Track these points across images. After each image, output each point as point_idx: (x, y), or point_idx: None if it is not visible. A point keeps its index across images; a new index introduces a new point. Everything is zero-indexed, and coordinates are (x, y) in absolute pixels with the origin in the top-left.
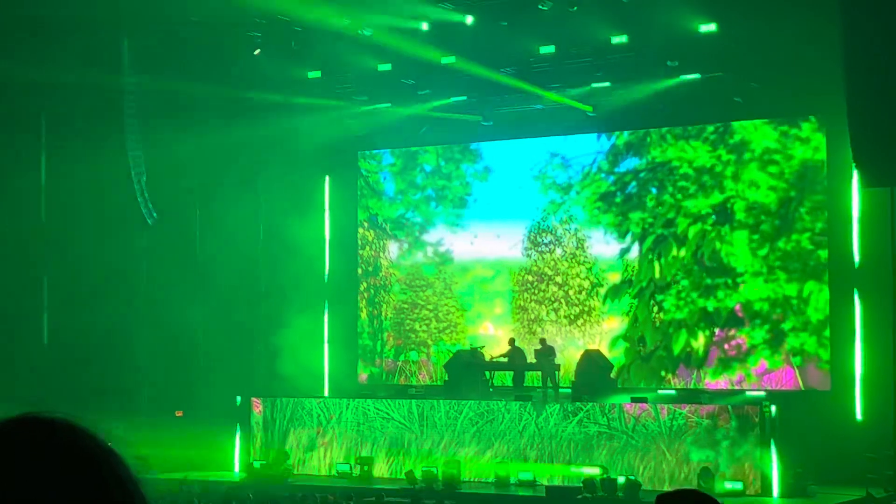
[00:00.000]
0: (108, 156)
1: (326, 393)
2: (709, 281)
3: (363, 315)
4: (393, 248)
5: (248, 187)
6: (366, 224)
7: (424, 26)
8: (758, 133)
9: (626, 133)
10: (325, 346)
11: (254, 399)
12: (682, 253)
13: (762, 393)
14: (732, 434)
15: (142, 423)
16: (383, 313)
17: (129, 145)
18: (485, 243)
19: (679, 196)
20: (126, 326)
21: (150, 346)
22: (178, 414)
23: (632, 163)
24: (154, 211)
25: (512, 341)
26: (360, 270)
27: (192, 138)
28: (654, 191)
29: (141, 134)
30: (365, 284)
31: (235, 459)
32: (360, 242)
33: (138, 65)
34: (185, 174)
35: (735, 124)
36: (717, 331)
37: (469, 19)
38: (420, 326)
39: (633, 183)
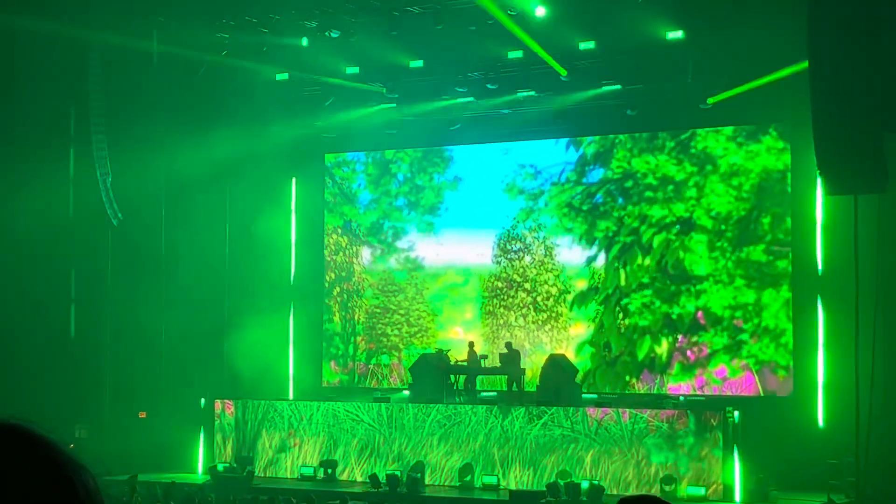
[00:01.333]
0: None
1: (291, 395)
2: (672, 288)
3: (336, 318)
4: (366, 254)
5: (214, 188)
6: (339, 230)
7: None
8: (720, 144)
9: (593, 144)
10: (291, 348)
11: (226, 401)
12: (647, 261)
13: (725, 398)
14: (695, 439)
15: (105, 424)
16: (356, 317)
17: (94, 146)
18: (455, 250)
19: (644, 206)
20: (89, 327)
21: (113, 347)
22: (141, 415)
23: (599, 173)
24: (119, 212)
25: (471, 345)
26: (332, 275)
27: (159, 139)
28: (620, 200)
29: (107, 134)
30: (338, 289)
31: (199, 461)
32: (333, 247)
33: (105, 65)
34: (150, 175)
35: (700, 134)
36: (679, 337)
37: (438, 25)
38: (392, 331)
39: (600, 193)
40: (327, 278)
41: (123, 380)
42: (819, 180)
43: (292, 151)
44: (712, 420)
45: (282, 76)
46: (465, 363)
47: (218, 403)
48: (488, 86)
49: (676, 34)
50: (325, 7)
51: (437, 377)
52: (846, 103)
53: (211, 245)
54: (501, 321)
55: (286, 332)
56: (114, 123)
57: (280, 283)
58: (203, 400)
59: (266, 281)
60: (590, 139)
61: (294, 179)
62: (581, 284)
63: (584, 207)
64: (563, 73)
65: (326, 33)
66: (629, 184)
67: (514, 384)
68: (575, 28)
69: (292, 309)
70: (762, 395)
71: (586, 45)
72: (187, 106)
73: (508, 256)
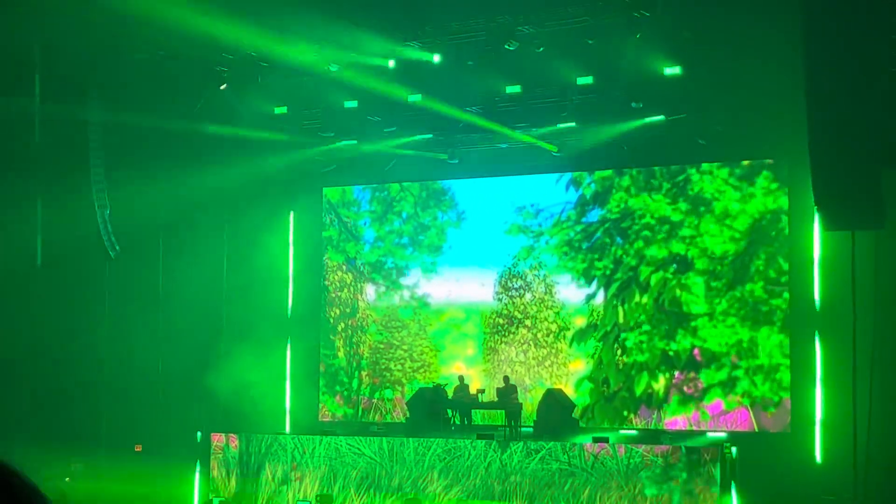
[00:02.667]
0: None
1: (288, 429)
2: (668, 326)
3: (340, 354)
4: (370, 291)
5: (212, 221)
6: (344, 267)
7: (391, 64)
8: (714, 186)
9: (593, 185)
10: (287, 381)
11: (230, 434)
12: (645, 299)
13: (723, 434)
14: (691, 475)
15: (101, 457)
16: (360, 352)
17: (92, 178)
18: (457, 287)
19: (641, 244)
20: (86, 360)
21: (109, 380)
22: (137, 449)
23: (597, 213)
24: (117, 244)
25: (461, 378)
26: (337, 311)
27: (157, 172)
28: (618, 240)
29: (104, 167)
30: (343, 325)
31: (195, 495)
32: (338, 284)
33: (103, 97)
34: (148, 208)
35: (695, 176)
36: (676, 373)
37: (436, 58)
38: (395, 366)
39: (599, 232)
40: (332, 314)
41: (119, 413)
42: (816, 216)
43: (290, 184)
44: (709, 456)
45: (280, 110)
46: (461, 398)
47: (221, 436)
48: (486, 120)
49: (674, 70)
50: (325, 41)
51: (434, 411)
52: (844, 139)
53: (208, 278)
54: (502, 356)
55: (283, 366)
56: (111, 156)
57: (277, 317)
58: (199, 433)
59: (263, 314)
60: (588, 179)
61: (292, 213)
62: (580, 321)
63: (584, 246)
64: (554, 149)
65: (326, 67)
66: (627, 223)
67: (512, 419)
68: (573, 63)
69: (289, 342)
70: (757, 430)
71: (584, 80)
72: (185, 138)
73: (510, 294)
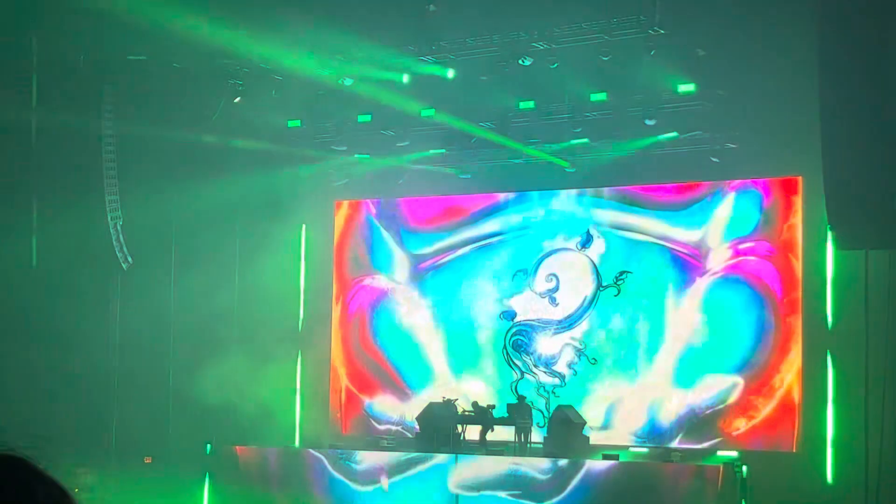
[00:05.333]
0: (85, 200)
1: (297, 443)
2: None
3: None
4: None
5: (223, 234)
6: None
7: (405, 78)
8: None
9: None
10: (298, 395)
11: (247, 446)
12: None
13: (734, 453)
14: (701, 493)
15: (110, 469)
16: None
17: (106, 190)
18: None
19: None
20: (96, 371)
21: (119, 392)
22: (147, 461)
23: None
24: (129, 256)
25: (474, 404)
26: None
27: (169, 184)
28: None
29: (118, 179)
30: None
31: None
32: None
33: (117, 109)
34: (159, 220)
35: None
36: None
37: (450, 73)
38: None
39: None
40: None
41: (129, 425)
42: (829, 235)
43: (302, 198)
44: (719, 474)
45: (294, 123)
46: (471, 413)
47: (239, 449)
48: (500, 135)
49: (688, 87)
50: (339, 55)
51: (443, 426)
52: (858, 158)
53: (219, 290)
54: (517, 374)
55: (293, 380)
56: (124, 168)
57: (288, 330)
58: (209, 445)
59: (274, 327)
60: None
61: (304, 226)
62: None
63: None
64: (566, 164)
65: (340, 81)
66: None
67: (522, 435)
68: (587, 79)
69: (300, 357)
70: (768, 450)
71: (598, 96)
72: (198, 151)
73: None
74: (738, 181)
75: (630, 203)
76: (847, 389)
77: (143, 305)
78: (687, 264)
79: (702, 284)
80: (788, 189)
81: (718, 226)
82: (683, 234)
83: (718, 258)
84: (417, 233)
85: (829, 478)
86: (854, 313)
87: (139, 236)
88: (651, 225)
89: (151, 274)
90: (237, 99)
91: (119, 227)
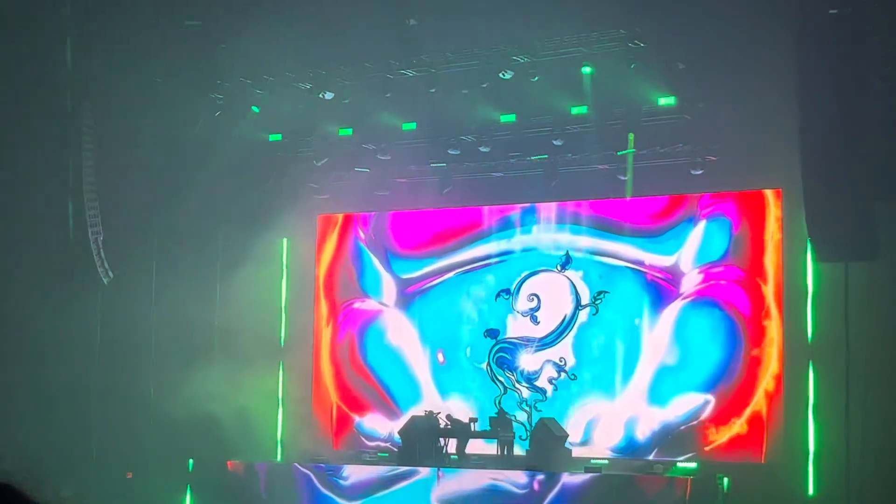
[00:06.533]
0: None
1: (279, 457)
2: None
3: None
4: None
5: (205, 248)
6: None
7: (386, 93)
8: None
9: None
10: (280, 409)
11: (237, 461)
12: None
13: (716, 464)
14: None
15: (91, 484)
16: None
17: (86, 203)
18: None
19: None
20: (77, 385)
21: (100, 406)
22: (129, 476)
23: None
24: (110, 270)
25: (448, 416)
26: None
27: (149, 198)
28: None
29: (98, 192)
30: None
31: None
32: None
33: (96, 122)
34: (141, 234)
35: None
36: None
37: (431, 86)
38: None
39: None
40: None
41: (111, 439)
42: (809, 247)
43: (284, 212)
44: (701, 486)
45: (274, 137)
46: (452, 426)
47: (226, 463)
48: (481, 149)
49: (668, 100)
50: (318, 69)
51: (426, 440)
52: (837, 170)
53: (200, 304)
54: (501, 389)
55: (275, 394)
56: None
57: (270, 344)
58: (191, 461)
59: (256, 341)
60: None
61: (286, 240)
62: None
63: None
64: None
65: (320, 95)
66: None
67: (503, 448)
68: (567, 93)
69: (281, 371)
70: (749, 462)
71: (578, 110)
72: (178, 165)
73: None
74: (709, 210)
75: (607, 230)
76: (828, 402)
77: (123, 319)
78: (661, 288)
79: (675, 307)
80: (758, 211)
81: (690, 252)
82: (658, 260)
83: (690, 282)
84: (404, 258)
85: (811, 490)
86: (834, 325)
87: (119, 250)
88: (627, 251)
89: (131, 288)
90: (217, 113)
91: (99, 241)
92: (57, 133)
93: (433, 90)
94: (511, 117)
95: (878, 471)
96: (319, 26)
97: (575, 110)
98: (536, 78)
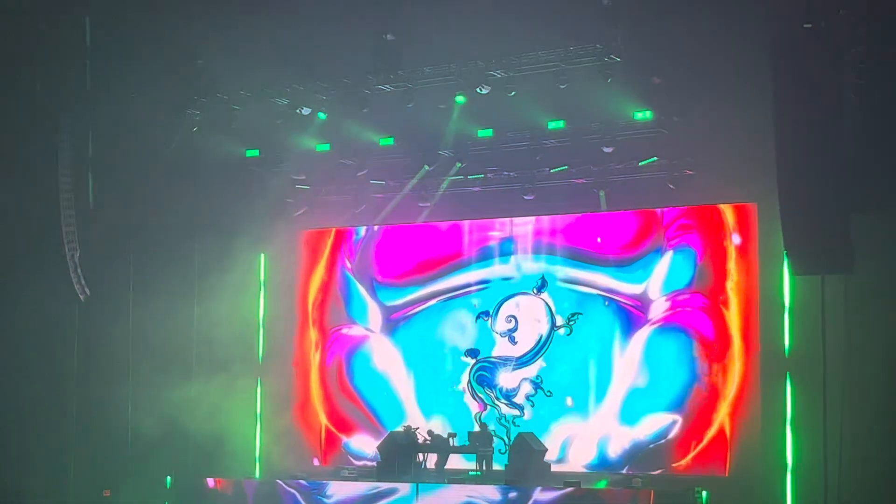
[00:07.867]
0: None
1: (257, 474)
2: None
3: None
4: None
5: (182, 264)
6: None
7: (364, 108)
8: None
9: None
10: (258, 426)
11: (217, 478)
12: None
13: (694, 478)
14: None
15: (68, 502)
16: None
17: (63, 220)
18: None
19: None
20: (53, 403)
21: (77, 423)
22: (106, 494)
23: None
24: (87, 287)
25: (429, 432)
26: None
27: (126, 213)
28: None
29: (75, 209)
30: None
31: None
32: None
33: (73, 139)
34: (118, 250)
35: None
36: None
37: (408, 102)
38: None
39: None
40: None
41: (88, 457)
42: (786, 261)
43: (261, 227)
44: (679, 500)
45: (252, 153)
46: (430, 441)
47: (210, 481)
48: (458, 164)
49: (644, 115)
50: (296, 84)
51: (404, 455)
52: (813, 184)
53: (178, 320)
54: (481, 406)
55: (253, 411)
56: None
57: (248, 360)
58: (169, 478)
59: (234, 358)
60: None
61: (263, 255)
62: None
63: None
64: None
65: (297, 110)
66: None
67: (483, 463)
68: (544, 107)
69: (259, 388)
70: (727, 475)
71: (556, 124)
72: (156, 181)
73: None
74: (675, 240)
75: (580, 260)
76: (806, 415)
77: (101, 336)
78: (631, 314)
79: (644, 333)
80: (718, 236)
81: (658, 281)
82: (628, 288)
83: (658, 309)
84: (389, 287)
85: (789, 502)
86: (811, 339)
87: (96, 267)
88: (599, 279)
89: (108, 305)
90: (195, 129)
91: (76, 259)
92: (35, 150)
93: (410, 105)
94: (488, 132)
95: (855, 482)
96: (296, 42)
97: (552, 125)
98: (514, 93)
